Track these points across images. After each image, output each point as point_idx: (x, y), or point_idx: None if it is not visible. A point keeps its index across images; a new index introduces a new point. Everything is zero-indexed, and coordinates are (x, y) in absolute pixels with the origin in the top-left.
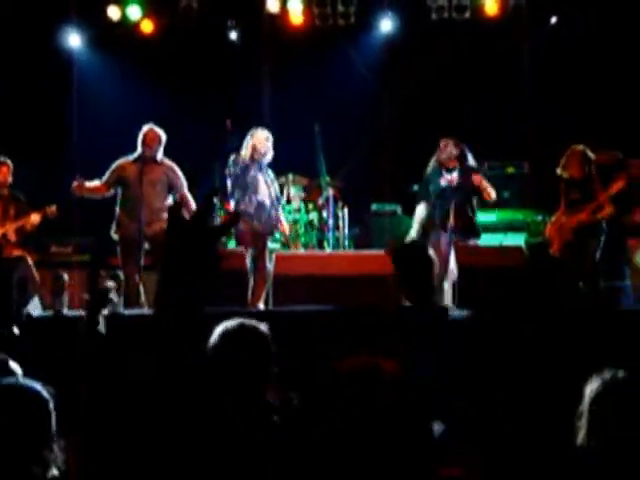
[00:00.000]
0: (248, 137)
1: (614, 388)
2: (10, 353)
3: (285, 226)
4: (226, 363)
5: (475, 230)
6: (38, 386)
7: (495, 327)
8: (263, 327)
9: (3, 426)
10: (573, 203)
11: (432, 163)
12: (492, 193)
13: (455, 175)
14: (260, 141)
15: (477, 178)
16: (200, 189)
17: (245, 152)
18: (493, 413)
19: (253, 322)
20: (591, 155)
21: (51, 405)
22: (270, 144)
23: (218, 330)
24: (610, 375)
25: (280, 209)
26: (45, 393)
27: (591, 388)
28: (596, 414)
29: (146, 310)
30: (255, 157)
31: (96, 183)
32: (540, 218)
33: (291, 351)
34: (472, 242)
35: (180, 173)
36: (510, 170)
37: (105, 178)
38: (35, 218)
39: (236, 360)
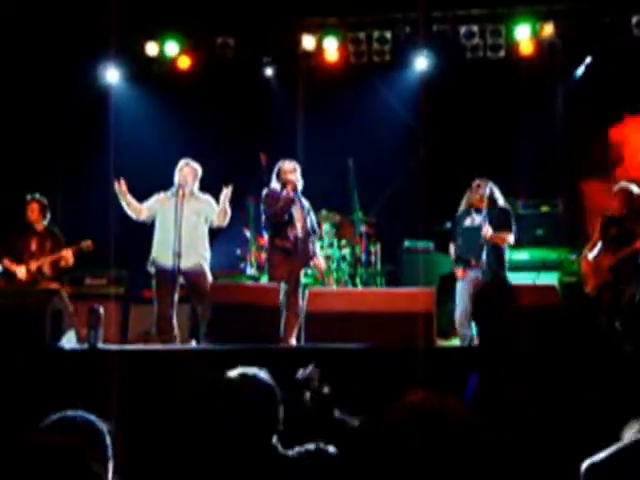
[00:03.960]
0: (276, 170)
1: None
2: (43, 385)
3: (320, 260)
4: (229, 414)
5: (500, 270)
6: (94, 418)
7: (529, 366)
8: (264, 375)
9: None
10: (611, 240)
11: (463, 203)
12: (506, 239)
13: (479, 217)
14: (289, 172)
15: (487, 233)
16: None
17: (276, 186)
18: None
19: (254, 370)
20: (637, 194)
21: (108, 439)
22: (299, 174)
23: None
24: None
25: (316, 241)
26: (101, 425)
27: (629, 433)
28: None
29: (178, 344)
30: (287, 189)
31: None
32: (574, 257)
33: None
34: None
35: (216, 206)
36: (544, 209)
37: (144, 203)
38: (70, 252)
39: (238, 410)
